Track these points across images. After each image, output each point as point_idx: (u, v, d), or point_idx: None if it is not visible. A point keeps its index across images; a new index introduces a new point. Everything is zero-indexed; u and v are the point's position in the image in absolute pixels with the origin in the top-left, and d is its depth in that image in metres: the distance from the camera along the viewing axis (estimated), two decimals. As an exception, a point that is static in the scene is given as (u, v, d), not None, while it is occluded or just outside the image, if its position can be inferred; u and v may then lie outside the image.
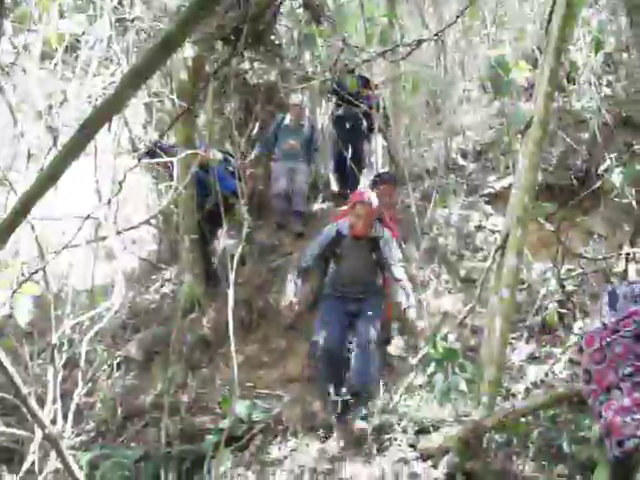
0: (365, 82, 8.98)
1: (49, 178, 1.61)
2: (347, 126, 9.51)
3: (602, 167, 5.50)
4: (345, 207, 6.58)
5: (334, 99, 9.79)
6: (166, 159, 5.96)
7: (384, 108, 9.49)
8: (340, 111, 9.66)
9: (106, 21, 3.93)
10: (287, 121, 9.27)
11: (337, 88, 9.15)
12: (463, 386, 4.61)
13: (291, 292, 6.16)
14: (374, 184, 7.32)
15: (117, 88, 1.53)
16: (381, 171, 8.75)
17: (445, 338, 5.29)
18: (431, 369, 4.75)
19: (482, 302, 5.29)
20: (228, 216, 7.88)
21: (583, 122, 8.22)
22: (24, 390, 1.94)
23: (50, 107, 4.42)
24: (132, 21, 5.22)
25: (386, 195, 6.81)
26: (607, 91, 8.63)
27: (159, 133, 9.67)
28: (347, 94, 8.81)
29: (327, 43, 9.41)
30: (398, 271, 6.03)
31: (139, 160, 3.36)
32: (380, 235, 6.10)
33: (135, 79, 1.54)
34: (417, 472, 4.58)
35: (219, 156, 8.19)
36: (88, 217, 2.94)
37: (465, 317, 5.98)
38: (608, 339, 3.32)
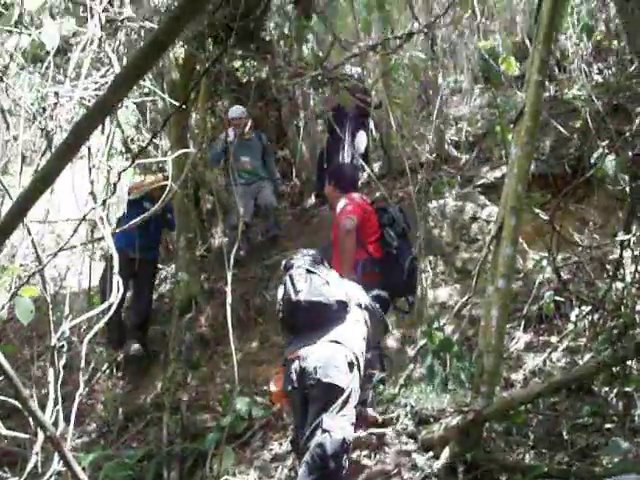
0: (362, 91, 8.89)
1: (44, 181, 1.62)
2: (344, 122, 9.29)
3: (595, 155, 5.50)
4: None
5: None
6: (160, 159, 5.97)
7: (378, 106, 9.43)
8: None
9: (97, 22, 3.94)
10: (231, 137, 8.78)
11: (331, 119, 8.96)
12: (462, 376, 4.62)
13: None
14: None
15: (109, 89, 1.54)
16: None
17: (442, 329, 5.30)
18: (428, 361, 4.75)
19: (479, 292, 5.31)
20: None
21: (575, 111, 8.24)
22: (25, 392, 1.95)
23: (43, 110, 4.42)
24: (122, 21, 5.21)
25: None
26: (598, 79, 8.66)
27: (152, 133, 9.66)
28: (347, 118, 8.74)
29: (318, 38, 9.41)
30: None
31: (133, 160, 3.36)
32: None
33: (127, 80, 1.55)
34: (418, 463, 4.58)
35: None
36: (84, 219, 2.94)
37: (461, 308, 5.99)
38: None
